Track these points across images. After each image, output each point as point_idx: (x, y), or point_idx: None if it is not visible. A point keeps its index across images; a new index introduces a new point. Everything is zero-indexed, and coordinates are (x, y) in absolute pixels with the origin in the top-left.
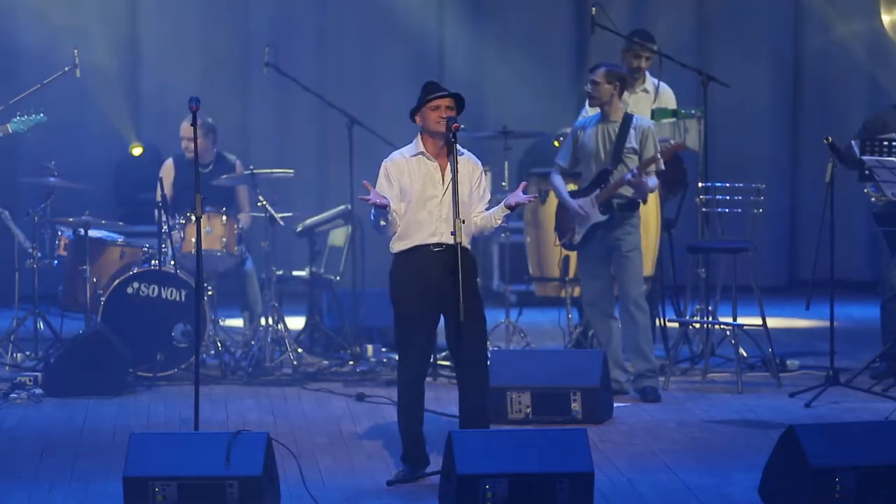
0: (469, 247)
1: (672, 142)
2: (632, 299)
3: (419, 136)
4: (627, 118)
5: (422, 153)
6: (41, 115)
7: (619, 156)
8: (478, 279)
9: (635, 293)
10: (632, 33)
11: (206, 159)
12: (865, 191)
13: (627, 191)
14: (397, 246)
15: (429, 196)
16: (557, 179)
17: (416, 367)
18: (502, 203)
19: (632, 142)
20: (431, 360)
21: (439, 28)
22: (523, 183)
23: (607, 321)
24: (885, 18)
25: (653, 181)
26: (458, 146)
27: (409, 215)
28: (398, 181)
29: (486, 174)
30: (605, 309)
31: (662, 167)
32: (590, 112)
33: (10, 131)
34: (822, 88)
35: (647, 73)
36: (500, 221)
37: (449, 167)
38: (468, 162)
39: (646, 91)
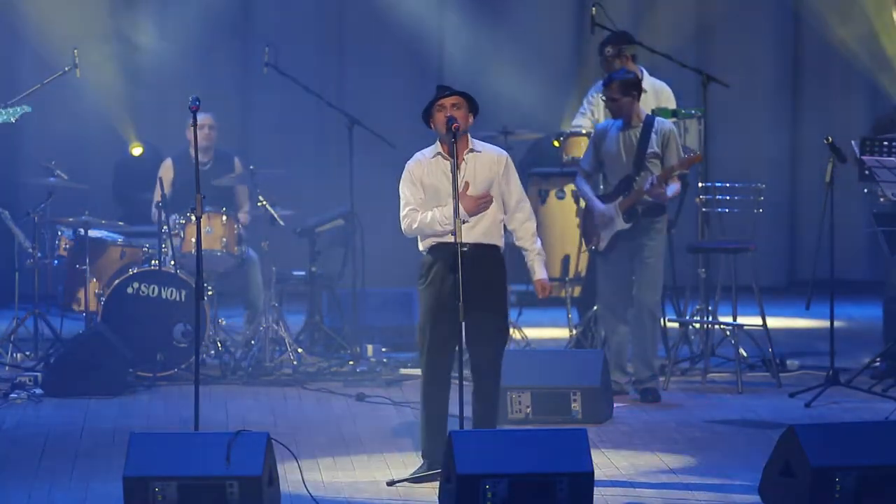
0: (500, 244)
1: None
2: (647, 307)
3: (438, 138)
4: (649, 122)
5: (439, 154)
6: (24, 105)
7: (642, 161)
8: (504, 277)
9: (651, 301)
10: (608, 36)
11: (206, 157)
12: (866, 191)
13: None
14: (423, 245)
15: (447, 196)
16: (582, 183)
17: (441, 364)
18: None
19: (653, 146)
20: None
21: (439, 28)
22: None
23: (619, 326)
24: None
25: (672, 188)
26: (476, 143)
27: None
28: (420, 181)
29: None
30: (619, 313)
31: (687, 169)
32: (589, 112)
33: None
34: (822, 88)
35: (645, 73)
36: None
37: (464, 165)
38: (490, 157)
39: (644, 91)
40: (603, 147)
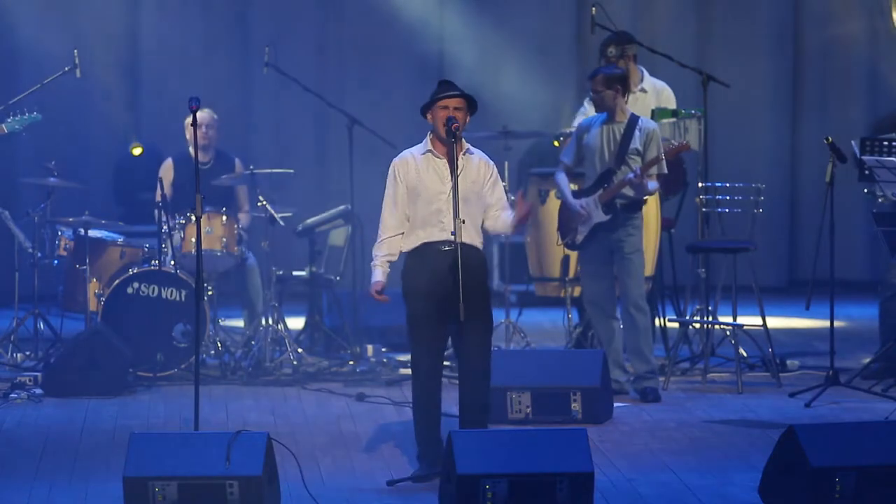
0: (480, 247)
1: (674, 142)
2: (632, 301)
3: (429, 135)
4: (633, 119)
5: (430, 152)
6: (35, 113)
7: (623, 156)
8: (487, 279)
9: (636, 295)
10: (610, 36)
11: (206, 157)
12: (866, 191)
13: (630, 191)
14: (407, 244)
15: (437, 195)
16: (561, 177)
17: (429, 366)
18: (511, 219)
19: (636, 143)
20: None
21: (440, 28)
22: (519, 192)
23: (608, 321)
24: None
25: (653, 185)
26: (470, 146)
27: (417, 214)
28: (405, 180)
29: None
30: (606, 309)
31: (665, 170)
32: (589, 112)
33: (6, 131)
34: (822, 88)
35: (646, 73)
36: (510, 231)
37: (460, 166)
38: (480, 162)
39: (643, 91)
40: (585, 140)
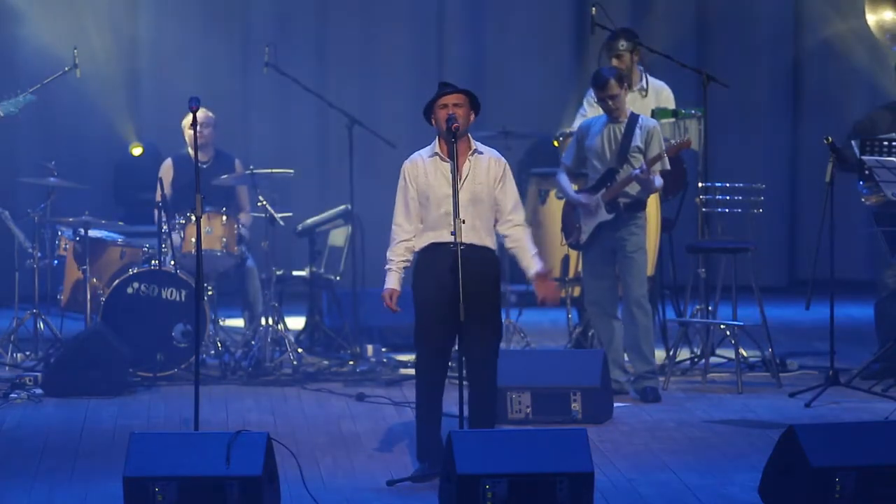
0: (494, 247)
1: (674, 141)
2: (634, 300)
3: (437, 138)
4: (633, 118)
5: (437, 154)
6: (29, 94)
7: (625, 155)
8: (496, 281)
9: (638, 294)
10: (614, 33)
11: (205, 156)
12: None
13: (633, 189)
14: (418, 244)
15: (445, 198)
16: (563, 178)
17: (433, 366)
18: (529, 268)
19: (637, 141)
20: None
21: (439, 28)
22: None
23: (609, 321)
24: (870, 18)
25: (658, 180)
26: (479, 145)
27: (428, 217)
28: (415, 182)
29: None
30: (607, 309)
31: (668, 166)
32: (590, 113)
33: (2, 114)
34: (822, 88)
35: (644, 72)
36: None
37: (465, 167)
38: (490, 161)
39: (643, 90)
40: (586, 143)
